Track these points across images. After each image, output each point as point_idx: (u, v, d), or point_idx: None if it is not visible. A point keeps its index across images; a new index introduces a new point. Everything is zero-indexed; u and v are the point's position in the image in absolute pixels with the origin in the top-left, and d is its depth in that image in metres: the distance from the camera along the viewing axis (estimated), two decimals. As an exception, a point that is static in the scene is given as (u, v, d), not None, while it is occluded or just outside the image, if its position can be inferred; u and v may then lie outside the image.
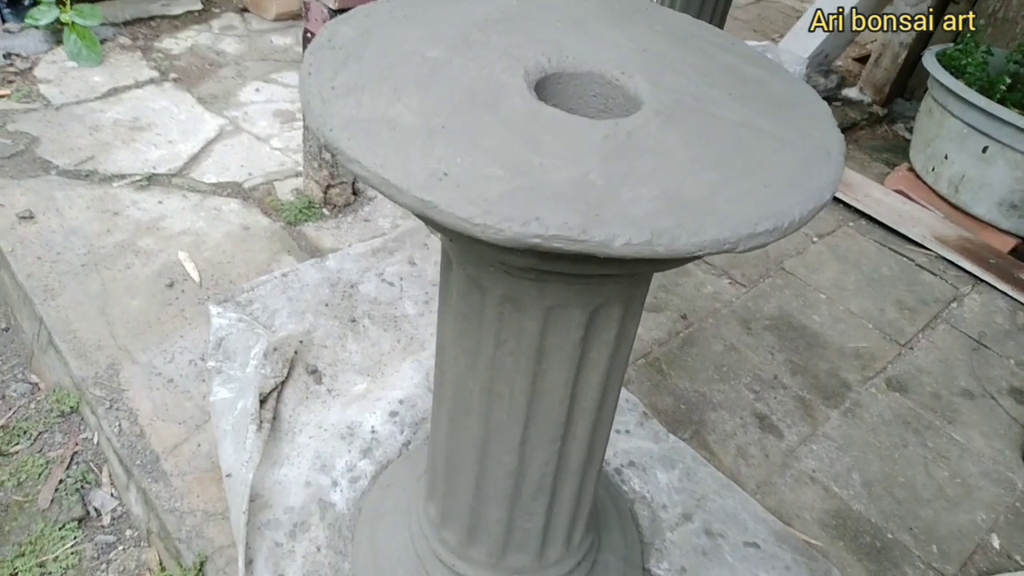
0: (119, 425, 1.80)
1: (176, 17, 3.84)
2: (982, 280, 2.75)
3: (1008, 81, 2.92)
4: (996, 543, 1.88)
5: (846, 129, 3.78)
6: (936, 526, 1.89)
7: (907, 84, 4.02)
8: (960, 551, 1.84)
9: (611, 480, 1.83)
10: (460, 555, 1.40)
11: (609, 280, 0.99)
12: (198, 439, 1.79)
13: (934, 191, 3.11)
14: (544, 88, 1.03)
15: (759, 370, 2.25)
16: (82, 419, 1.95)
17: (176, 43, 3.60)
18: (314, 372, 2.00)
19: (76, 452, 1.86)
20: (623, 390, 2.09)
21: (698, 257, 0.88)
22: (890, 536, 1.85)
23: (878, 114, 3.96)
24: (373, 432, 1.87)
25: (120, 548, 1.71)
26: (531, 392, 1.12)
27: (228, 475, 1.68)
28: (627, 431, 1.97)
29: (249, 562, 1.55)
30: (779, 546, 1.75)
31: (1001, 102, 2.85)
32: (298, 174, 2.71)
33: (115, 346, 1.99)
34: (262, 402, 1.84)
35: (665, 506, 1.80)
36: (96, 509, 1.77)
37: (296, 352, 2.04)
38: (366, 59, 0.94)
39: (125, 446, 1.76)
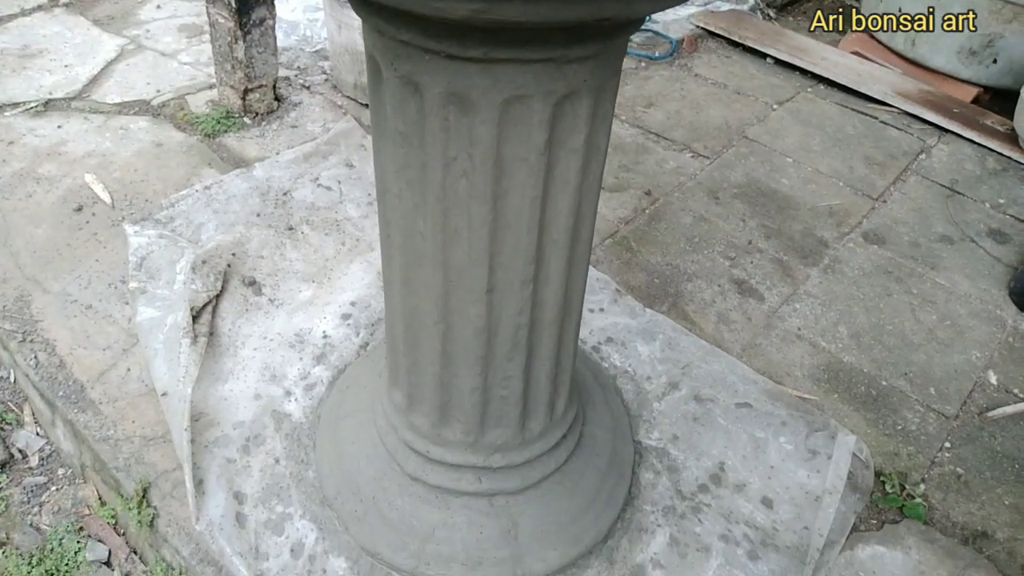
0: (35, 358, 1.59)
1: (61, -58, 3.47)
2: (948, 131, 2.64)
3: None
4: (993, 379, 1.80)
5: (794, 2, 3.63)
6: (931, 369, 1.80)
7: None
8: (958, 390, 1.76)
9: (590, 358, 1.69)
10: (433, 439, 1.25)
11: (573, 54, 0.81)
12: (126, 363, 1.59)
13: (890, 49, 2.98)
14: None
15: (732, 237, 2.12)
16: (-7, 359, 1.73)
17: (64, -31, 3.25)
18: (252, 284, 1.81)
19: (-11, 394, 1.65)
20: (592, 269, 1.94)
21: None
22: (885, 384, 1.75)
23: (823, -15, 3.81)
24: (325, 337, 1.70)
25: (52, 488, 1.52)
26: (493, 223, 0.96)
27: (164, 394, 1.49)
28: (601, 309, 1.83)
29: (199, 482, 1.38)
30: (772, 404, 1.64)
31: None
32: (212, 86, 2.46)
33: (22, 277, 1.76)
34: (195, 317, 1.65)
35: (649, 377, 1.67)
36: (20, 451, 1.57)
37: (229, 265, 1.83)
38: None
39: (45, 379, 1.56)
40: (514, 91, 0.83)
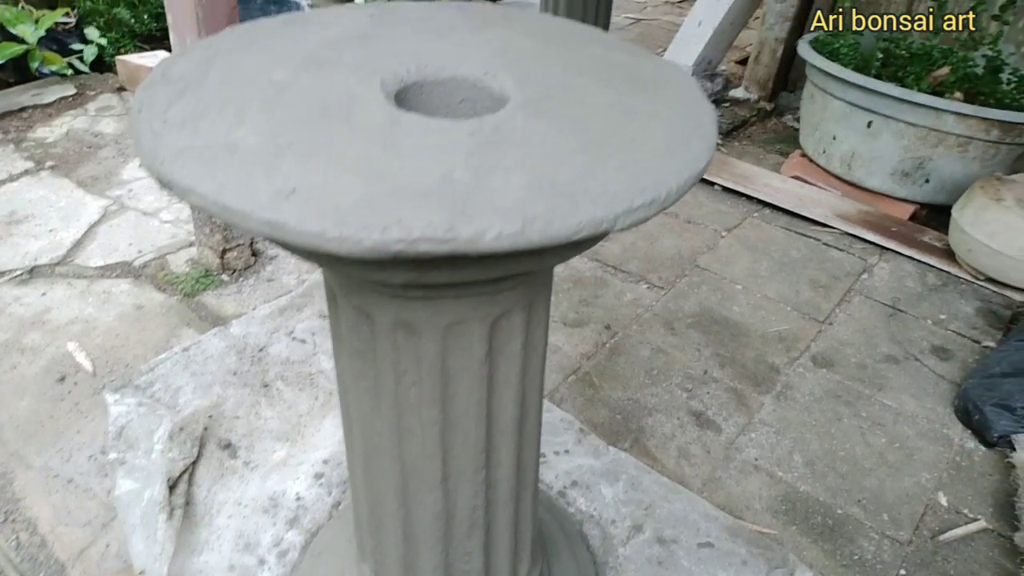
0: (17, 539, 1.63)
1: (49, 105, 3.68)
2: (888, 248, 2.82)
3: (881, 57, 3.05)
4: (943, 501, 1.88)
5: (737, 127, 3.89)
6: (883, 494, 1.88)
7: (788, 77, 4.17)
8: (910, 514, 1.83)
9: (556, 504, 1.76)
10: (402, 612, 1.30)
11: (504, 286, 0.93)
12: (106, 539, 1.64)
13: (828, 172, 3.20)
14: (405, 98, 0.97)
15: (688, 368, 2.22)
16: (-27, 540, 1.76)
17: (51, 131, 3.44)
18: (228, 446, 1.87)
19: (-31, 577, 1.68)
20: (557, 410, 2.03)
21: (579, 244, 0.83)
22: (840, 512, 1.83)
23: (766, 108, 4.09)
24: (298, 499, 1.75)
25: (29, 676, 1.53)
26: (443, 422, 1.05)
27: (141, 573, 1.53)
28: (566, 451, 1.91)
29: (175, 663, 1.41)
30: (733, 542, 1.71)
31: (877, 77, 2.96)
32: (191, 244, 2.59)
33: (6, 453, 1.82)
34: (172, 488, 1.70)
35: (614, 521, 1.74)
36: (-2, 637, 1.59)
37: (206, 428, 1.90)
38: (205, 88, 0.87)
39: (26, 560, 1.60)
40: (454, 318, 0.94)
